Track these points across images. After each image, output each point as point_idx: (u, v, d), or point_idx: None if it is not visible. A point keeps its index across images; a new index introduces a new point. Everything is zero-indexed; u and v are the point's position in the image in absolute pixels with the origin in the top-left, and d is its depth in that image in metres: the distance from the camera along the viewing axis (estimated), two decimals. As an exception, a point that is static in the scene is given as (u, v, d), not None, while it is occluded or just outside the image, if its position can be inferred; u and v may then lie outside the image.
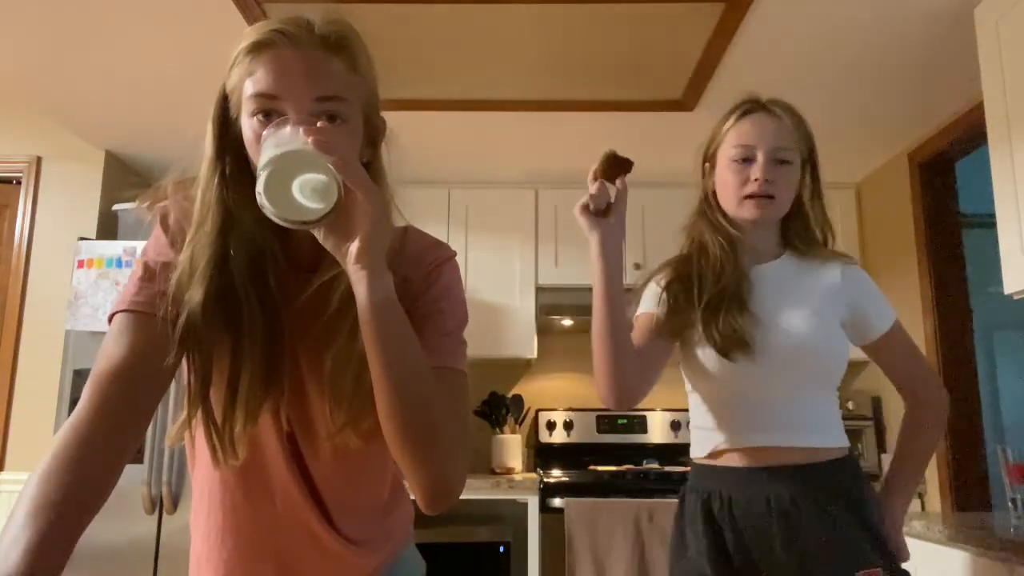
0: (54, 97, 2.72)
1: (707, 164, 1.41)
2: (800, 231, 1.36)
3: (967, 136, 2.69)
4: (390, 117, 0.94)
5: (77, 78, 2.55)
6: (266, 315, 0.84)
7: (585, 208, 1.21)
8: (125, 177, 3.34)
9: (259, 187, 0.71)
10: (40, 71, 2.51)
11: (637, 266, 3.31)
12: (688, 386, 1.39)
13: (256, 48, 0.80)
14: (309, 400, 0.90)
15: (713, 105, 2.66)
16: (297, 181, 0.71)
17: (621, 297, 1.25)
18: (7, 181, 3.19)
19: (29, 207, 3.14)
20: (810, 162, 1.35)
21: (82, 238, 2.84)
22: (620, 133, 2.96)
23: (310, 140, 0.71)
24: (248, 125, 0.81)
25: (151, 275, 0.85)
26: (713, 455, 1.31)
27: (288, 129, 0.74)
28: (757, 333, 1.26)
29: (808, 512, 1.20)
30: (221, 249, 0.82)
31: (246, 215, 0.82)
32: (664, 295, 1.34)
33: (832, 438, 1.28)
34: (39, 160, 3.18)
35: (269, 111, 0.79)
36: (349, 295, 0.81)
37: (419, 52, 2.38)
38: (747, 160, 1.29)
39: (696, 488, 1.32)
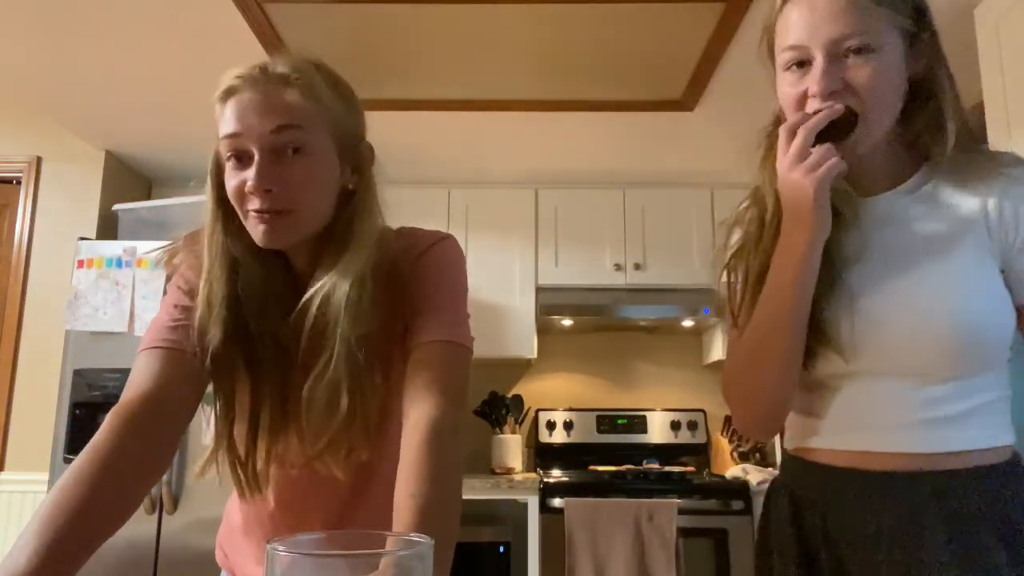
0: (54, 97, 2.72)
1: (773, 65, 0.95)
2: (933, 133, 0.90)
3: (967, 136, 2.68)
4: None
5: (77, 78, 2.55)
6: (279, 351, 0.88)
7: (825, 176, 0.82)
8: (125, 177, 3.34)
9: None
10: (40, 71, 2.51)
11: (637, 266, 3.31)
12: None
13: (224, 95, 0.84)
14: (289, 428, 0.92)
15: (713, 105, 2.66)
16: None
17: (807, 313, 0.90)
18: (7, 181, 3.19)
19: (29, 207, 3.14)
20: (919, 30, 0.90)
21: (82, 238, 2.84)
22: (620, 133, 2.96)
23: None
24: (227, 170, 0.85)
25: (174, 316, 0.89)
26: (805, 449, 0.96)
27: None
28: (847, 324, 0.88)
29: (933, 538, 0.82)
30: (231, 292, 0.86)
31: (249, 258, 0.87)
32: (724, 275, 0.99)
33: (980, 437, 0.86)
34: (39, 160, 3.18)
35: (238, 152, 0.83)
36: (332, 321, 0.83)
37: (419, 52, 2.38)
38: (802, 64, 0.87)
39: (786, 487, 0.97)
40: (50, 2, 2.09)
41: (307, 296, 0.84)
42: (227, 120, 0.83)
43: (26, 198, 3.14)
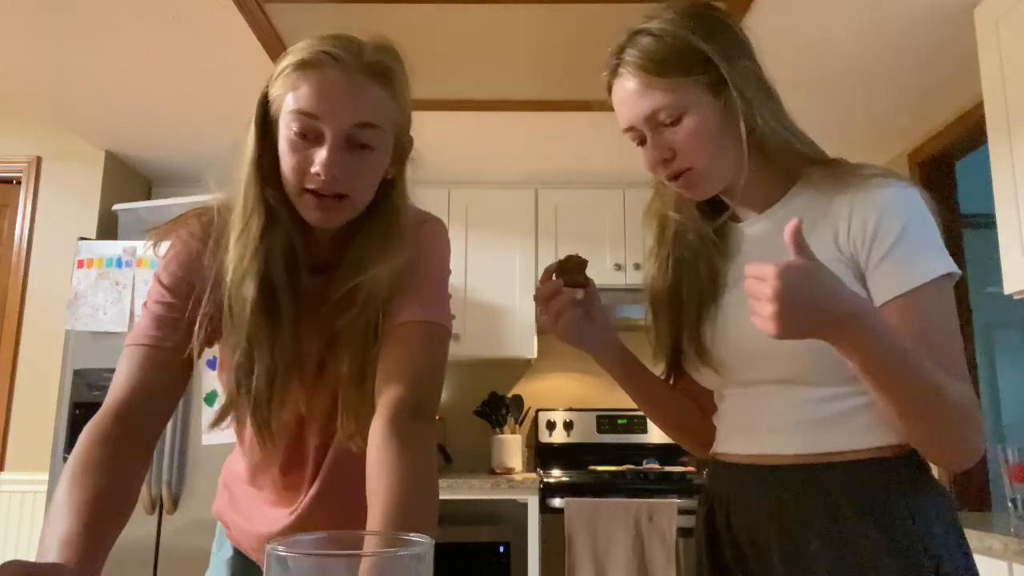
0: (54, 97, 2.72)
1: None
2: (782, 156, 0.96)
3: (967, 136, 2.68)
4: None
5: (77, 78, 2.55)
6: (297, 306, 0.89)
7: (565, 326, 1.10)
8: (125, 177, 3.34)
9: None
10: (40, 71, 2.51)
11: (637, 266, 3.31)
12: None
13: (303, 65, 0.83)
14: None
15: (713, 105, 2.66)
16: None
17: (650, 382, 1.14)
18: (7, 181, 3.19)
19: (29, 207, 3.14)
20: (717, 74, 0.95)
21: (82, 238, 2.84)
22: (620, 133, 2.96)
23: None
24: (285, 138, 0.84)
25: (156, 312, 0.89)
26: (717, 452, 1.05)
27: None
28: (712, 341, 1.00)
29: (816, 525, 0.88)
30: (267, 245, 0.86)
31: (284, 212, 0.87)
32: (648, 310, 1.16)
33: (864, 438, 0.89)
34: (39, 160, 3.18)
35: (308, 130, 0.82)
36: (366, 303, 0.86)
37: (419, 52, 2.37)
38: (643, 142, 1.00)
39: (705, 490, 1.06)
40: (50, 3, 2.09)
41: (359, 280, 0.86)
42: (305, 96, 0.81)
43: (26, 198, 3.14)
